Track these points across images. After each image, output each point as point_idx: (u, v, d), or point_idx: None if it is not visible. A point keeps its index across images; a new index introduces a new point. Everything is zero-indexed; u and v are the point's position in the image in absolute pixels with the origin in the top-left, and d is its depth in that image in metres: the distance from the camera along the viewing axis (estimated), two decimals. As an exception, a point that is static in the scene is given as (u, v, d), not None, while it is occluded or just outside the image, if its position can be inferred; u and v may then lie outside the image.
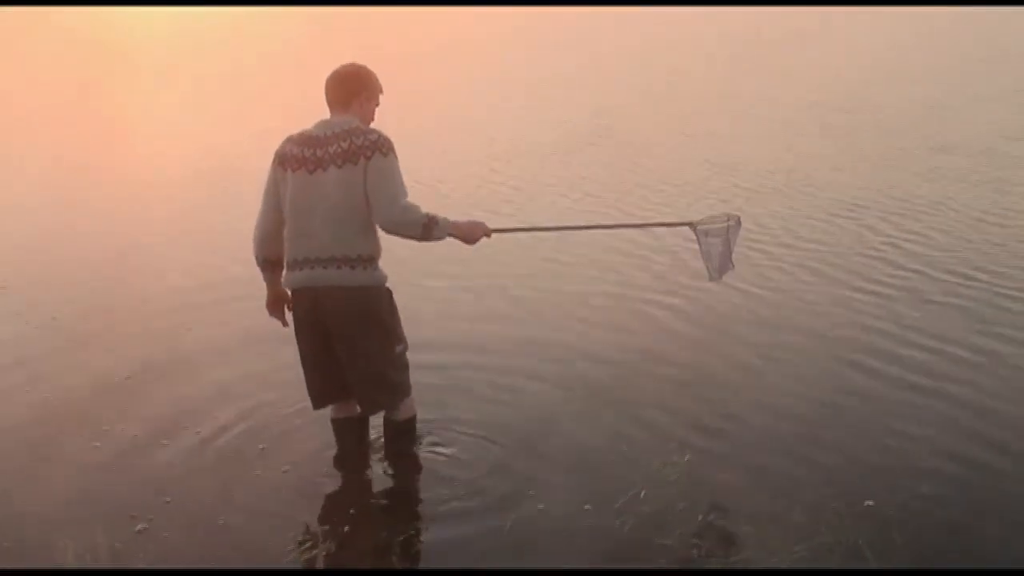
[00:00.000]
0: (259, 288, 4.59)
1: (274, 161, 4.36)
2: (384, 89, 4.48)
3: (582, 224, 4.33)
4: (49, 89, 21.15)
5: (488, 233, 4.47)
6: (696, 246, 5.02)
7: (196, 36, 34.87)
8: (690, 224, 4.97)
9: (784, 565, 3.88)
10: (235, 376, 5.78)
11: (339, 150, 4.19)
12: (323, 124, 4.32)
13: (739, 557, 3.96)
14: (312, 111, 4.50)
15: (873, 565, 3.87)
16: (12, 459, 4.90)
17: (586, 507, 4.31)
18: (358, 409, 4.65)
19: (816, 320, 6.60)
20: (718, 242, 4.89)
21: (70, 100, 19.37)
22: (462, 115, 16.60)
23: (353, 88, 4.36)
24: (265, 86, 20.81)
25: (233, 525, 4.27)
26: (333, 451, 4.76)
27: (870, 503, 4.27)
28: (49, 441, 5.05)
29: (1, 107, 18.79)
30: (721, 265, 4.94)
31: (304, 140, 4.29)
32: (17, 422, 5.28)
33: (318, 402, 4.62)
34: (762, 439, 4.93)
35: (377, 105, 4.45)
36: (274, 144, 4.37)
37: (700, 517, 4.21)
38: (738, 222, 4.94)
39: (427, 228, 4.21)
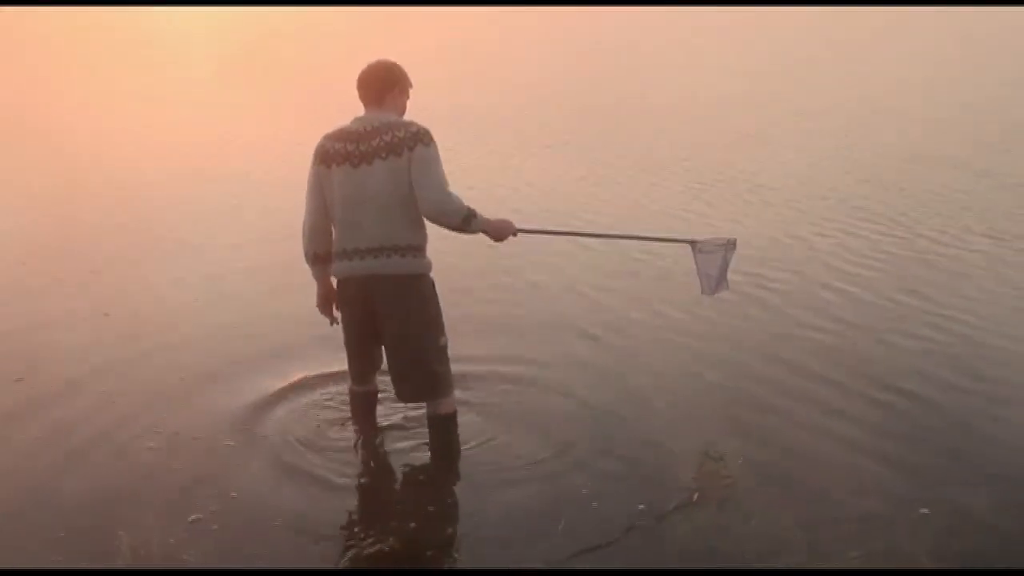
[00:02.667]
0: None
1: (315, 159, 4.51)
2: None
3: (599, 232, 4.70)
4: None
5: (515, 232, 4.65)
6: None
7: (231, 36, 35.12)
8: (691, 242, 5.20)
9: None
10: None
11: (382, 143, 4.34)
12: (360, 120, 4.48)
13: (792, 562, 3.95)
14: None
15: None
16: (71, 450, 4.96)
17: (640, 507, 4.32)
18: (377, 387, 4.95)
19: (877, 325, 6.55)
20: (717, 260, 5.14)
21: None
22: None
23: (386, 84, 4.52)
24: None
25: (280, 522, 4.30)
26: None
27: (925, 511, 4.26)
28: (108, 434, 5.11)
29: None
30: (717, 282, 5.17)
31: (344, 136, 4.44)
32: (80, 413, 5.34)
33: (358, 381, 4.91)
34: (813, 446, 4.91)
35: (408, 99, 4.59)
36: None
37: (753, 523, 4.21)
38: (734, 244, 5.20)
39: (467, 219, 4.40)
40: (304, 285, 4.81)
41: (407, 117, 4.52)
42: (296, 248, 4.72)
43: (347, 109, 4.61)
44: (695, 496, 4.41)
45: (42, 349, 6.23)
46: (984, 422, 5.19)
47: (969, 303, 7.02)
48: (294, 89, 20.29)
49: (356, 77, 4.52)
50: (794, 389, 5.58)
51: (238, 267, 8.02)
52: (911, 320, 6.68)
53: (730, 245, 5.20)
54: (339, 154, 4.42)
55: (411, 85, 4.60)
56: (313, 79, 20.79)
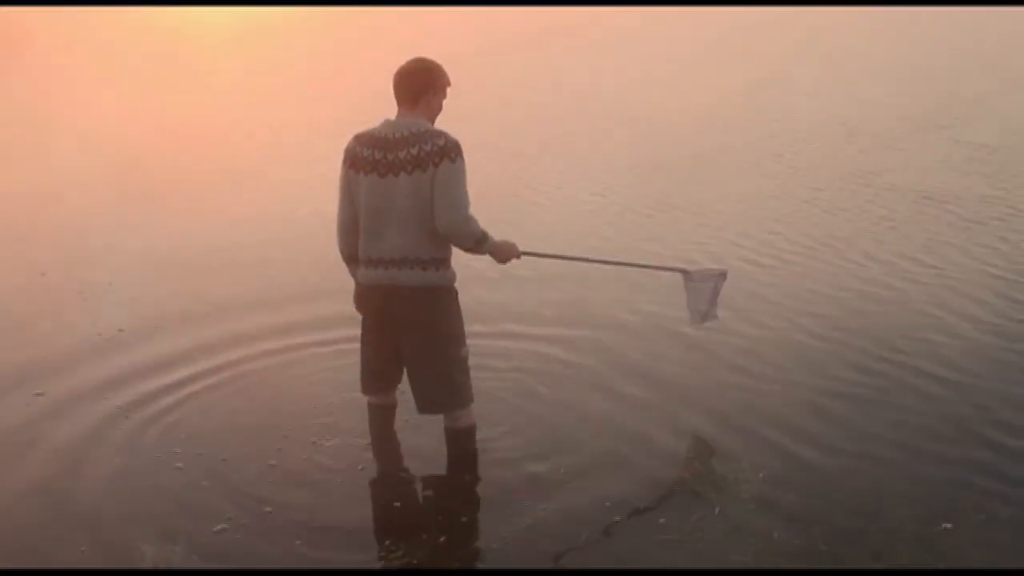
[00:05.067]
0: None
1: (344, 161, 4.51)
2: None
3: (597, 258, 4.86)
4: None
5: (519, 255, 4.67)
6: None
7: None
8: (683, 271, 5.30)
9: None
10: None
11: (409, 156, 4.31)
12: (391, 125, 4.42)
13: (796, 564, 3.97)
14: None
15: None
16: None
17: (661, 521, 4.32)
18: (395, 399, 4.93)
19: (895, 342, 6.46)
20: (707, 290, 5.23)
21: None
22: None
23: (422, 87, 4.44)
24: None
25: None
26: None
27: (948, 525, 4.24)
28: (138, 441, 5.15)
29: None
30: (707, 312, 5.28)
31: (374, 142, 4.40)
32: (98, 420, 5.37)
33: (368, 389, 4.89)
34: (836, 457, 4.89)
35: (444, 98, 4.53)
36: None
37: (776, 535, 4.19)
38: (725, 275, 5.32)
39: (479, 242, 4.44)
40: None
41: (441, 120, 4.51)
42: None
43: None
44: (716, 510, 4.39)
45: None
46: (986, 428, 5.15)
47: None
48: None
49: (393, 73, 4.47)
50: (791, 391, 5.61)
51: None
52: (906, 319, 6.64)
53: (721, 276, 5.29)
54: (367, 161, 4.41)
55: (449, 84, 4.53)
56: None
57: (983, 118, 15.45)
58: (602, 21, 36.24)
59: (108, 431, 5.26)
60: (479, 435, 4.88)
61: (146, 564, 4.05)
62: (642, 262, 5.47)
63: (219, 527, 4.31)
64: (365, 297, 4.62)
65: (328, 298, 6.65)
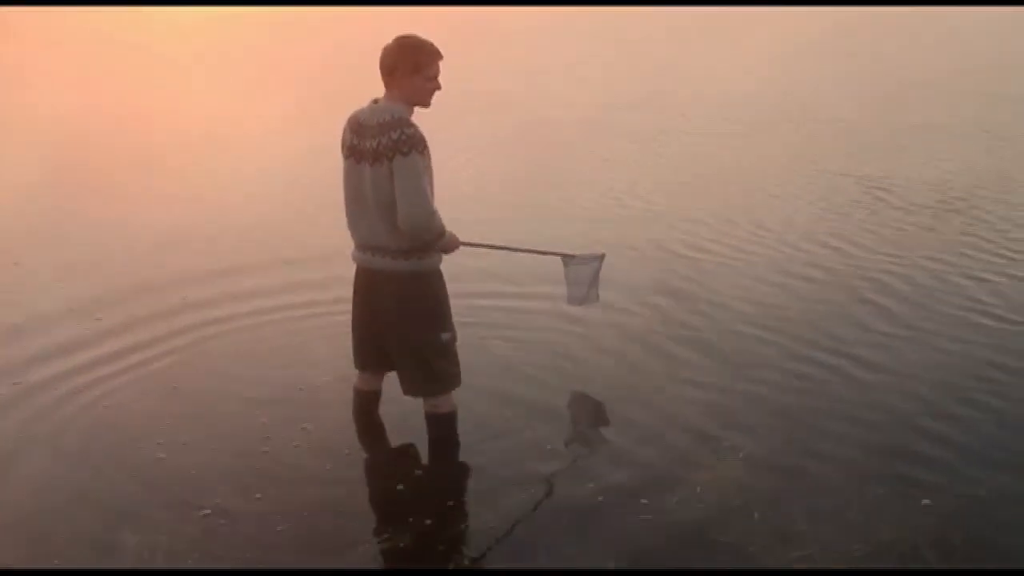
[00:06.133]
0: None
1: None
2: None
3: (482, 242, 4.86)
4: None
5: (459, 245, 4.59)
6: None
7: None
8: (564, 255, 5.35)
9: (842, 564, 3.91)
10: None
11: (371, 148, 4.27)
12: (371, 109, 4.36)
13: (796, 555, 3.97)
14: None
15: (932, 564, 3.91)
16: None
17: (643, 501, 4.35)
18: (381, 384, 4.91)
19: (867, 320, 6.55)
20: (588, 273, 5.34)
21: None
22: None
23: (388, 64, 4.31)
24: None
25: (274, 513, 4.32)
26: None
27: (927, 502, 4.30)
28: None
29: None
30: (587, 294, 5.39)
31: (354, 125, 4.38)
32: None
33: (357, 364, 4.90)
34: (816, 438, 4.94)
35: (429, 78, 4.31)
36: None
37: (756, 515, 4.24)
38: (603, 258, 5.43)
39: (438, 238, 4.37)
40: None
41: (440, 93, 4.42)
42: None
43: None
44: (698, 489, 4.43)
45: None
46: (983, 412, 5.21)
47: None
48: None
49: None
50: (791, 383, 5.60)
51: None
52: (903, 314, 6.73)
53: (600, 259, 5.39)
54: (347, 145, 4.41)
55: (429, 65, 4.30)
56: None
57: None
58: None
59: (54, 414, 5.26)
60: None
61: (127, 555, 4.03)
62: (525, 247, 5.45)
63: (203, 512, 4.30)
64: (356, 277, 4.64)
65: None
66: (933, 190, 10.06)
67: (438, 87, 4.39)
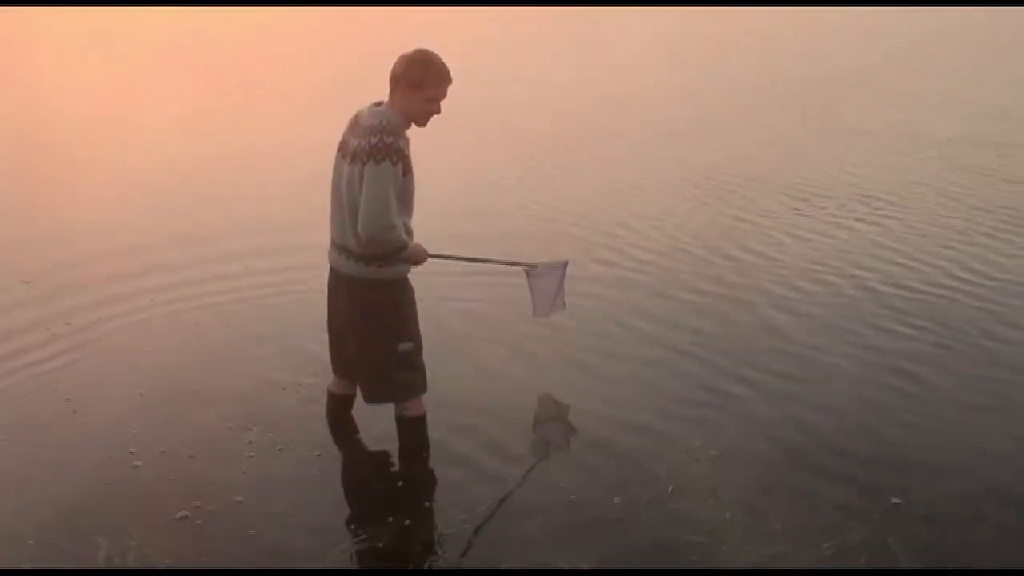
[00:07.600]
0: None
1: None
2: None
3: (451, 254, 4.78)
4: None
5: (427, 257, 4.51)
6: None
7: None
8: (527, 266, 5.21)
9: (812, 563, 3.95)
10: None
11: (354, 146, 4.25)
12: (369, 110, 4.33)
13: (767, 554, 4.02)
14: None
15: (903, 563, 3.96)
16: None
17: (616, 500, 4.38)
18: (355, 391, 4.84)
19: (848, 323, 6.60)
20: (553, 282, 5.25)
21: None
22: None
23: (396, 72, 4.30)
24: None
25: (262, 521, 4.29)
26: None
27: (897, 500, 4.36)
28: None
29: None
30: (554, 303, 5.30)
31: (352, 123, 4.38)
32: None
33: (334, 369, 4.85)
34: (786, 437, 5.00)
35: (429, 99, 4.29)
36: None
37: (728, 515, 4.28)
38: (566, 265, 5.33)
39: (399, 253, 4.32)
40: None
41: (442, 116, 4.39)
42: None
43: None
44: (669, 489, 4.46)
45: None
46: (953, 413, 5.29)
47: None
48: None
49: None
50: (762, 381, 5.66)
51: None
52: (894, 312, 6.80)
53: (563, 266, 5.29)
54: (341, 142, 4.40)
55: (435, 87, 4.27)
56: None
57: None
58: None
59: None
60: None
61: (100, 559, 3.99)
62: (490, 257, 5.38)
63: (181, 514, 4.27)
64: (329, 275, 4.61)
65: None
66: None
67: (437, 111, 4.35)
